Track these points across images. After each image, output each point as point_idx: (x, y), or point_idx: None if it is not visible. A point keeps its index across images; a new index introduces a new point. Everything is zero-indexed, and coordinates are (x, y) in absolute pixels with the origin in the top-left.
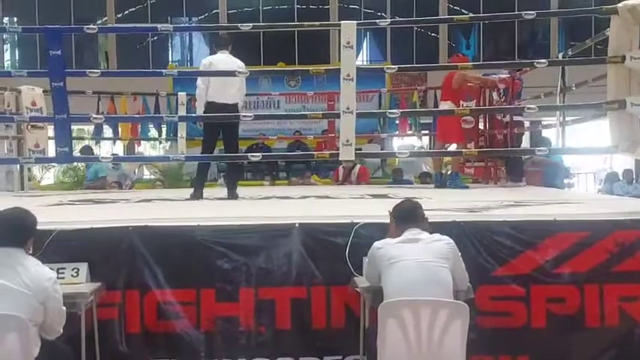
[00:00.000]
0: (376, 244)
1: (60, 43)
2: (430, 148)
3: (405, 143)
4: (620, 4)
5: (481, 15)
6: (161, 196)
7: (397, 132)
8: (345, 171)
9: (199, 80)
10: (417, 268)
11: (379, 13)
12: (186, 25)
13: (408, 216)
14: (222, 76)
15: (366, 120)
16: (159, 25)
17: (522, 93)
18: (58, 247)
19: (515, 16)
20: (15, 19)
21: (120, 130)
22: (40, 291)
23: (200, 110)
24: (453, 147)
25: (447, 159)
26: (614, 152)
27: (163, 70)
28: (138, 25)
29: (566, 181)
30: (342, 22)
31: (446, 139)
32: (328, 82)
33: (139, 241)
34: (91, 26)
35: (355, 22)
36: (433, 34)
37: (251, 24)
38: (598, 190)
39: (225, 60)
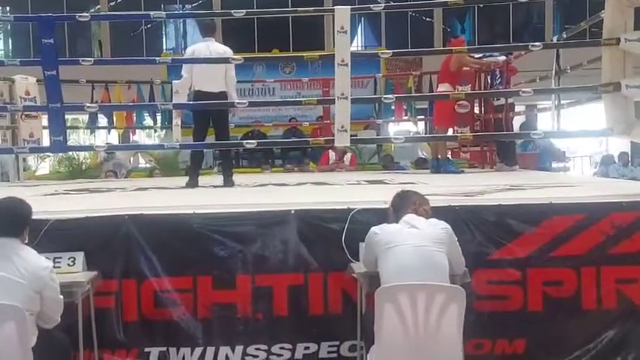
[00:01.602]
0: (373, 229)
1: (52, 32)
2: (426, 134)
3: (401, 129)
4: None
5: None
6: (157, 184)
7: (393, 117)
8: (337, 155)
9: (183, 70)
10: (413, 253)
11: None
12: (180, 12)
13: (405, 202)
14: (206, 64)
15: (362, 106)
16: (152, 13)
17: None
18: (54, 237)
19: (509, 0)
20: (7, 8)
21: (115, 118)
22: (37, 280)
23: (184, 99)
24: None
25: (449, 144)
26: (610, 135)
27: (157, 58)
28: (131, 12)
29: (561, 164)
30: (335, 7)
31: (438, 124)
32: (323, 68)
33: (135, 229)
34: (84, 14)
35: (349, 7)
36: (428, 19)
37: (244, 10)
38: (594, 173)
39: (208, 47)
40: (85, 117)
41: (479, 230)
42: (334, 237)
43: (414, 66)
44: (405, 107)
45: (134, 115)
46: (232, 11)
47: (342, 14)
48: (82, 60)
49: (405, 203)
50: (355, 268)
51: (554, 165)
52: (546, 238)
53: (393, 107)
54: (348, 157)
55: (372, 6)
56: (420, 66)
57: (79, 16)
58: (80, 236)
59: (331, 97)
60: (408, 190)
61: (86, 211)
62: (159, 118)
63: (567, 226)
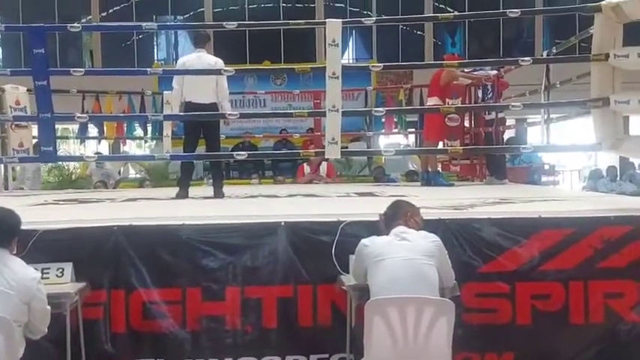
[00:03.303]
0: (363, 241)
1: (43, 42)
2: (416, 147)
3: (392, 142)
4: (603, 2)
5: (466, 13)
6: (147, 195)
7: (383, 130)
8: (312, 167)
9: (174, 81)
10: (403, 265)
11: (365, 12)
12: (171, 23)
13: (395, 214)
14: (196, 76)
15: (352, 118)
16: (143, 24)
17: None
18: (42, 247)
19: (499, 14)
20: None
21: (105, 129)
22: (25, 291)
23: (175, 110)
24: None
25: (439, 157)
26: (598, 150)
27: (148, 69)
28: (122, 23)
29: (551, 178)
30: (327, 20)
31: (427, 137)
32: (314, 80)
33: (124, 240)
34: (75, 24)
35: (340, 20)
36: (419, 32)
37: (236, 22)
38: (582, 188)
39: (198, 59)
40: (76, 127)
41: (468, 243)
42: (324, 249)
43: (405, 79)
44: (395, 120)
45: (125, 125)
46: (224, 23)
47: (334, 27)
48: (73, 70)
49: (397, 213)
50: (345, 281)
51: (544, 179)
52: (535, 252)
53: (383, 120)
54: (324, 167)
55: (363, 19)
56: (411, 79)
57: (71, 26)
58: (69, 247)
59: (322, 110)
60: (401, 201)
61: (75, 222)
62: (149, 128)
63: (556, 240)
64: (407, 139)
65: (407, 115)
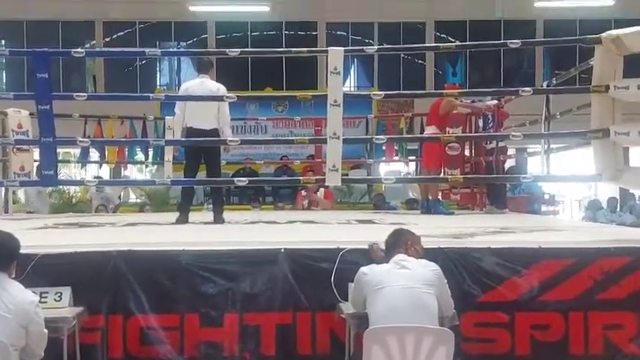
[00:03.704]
0: (362, 269)
1: (47, 67)
2: (417, 174)
3: (392, 169)
4: (603, 34)
5: (467, 43)
6: (147, 220)
7: (384, 158)
8: (309, 192)
9: (176, 107)
10: (402, 294)
11: (367, 40)
12: (174, 50)
13: (396, 242)
14: (198, 101)
15: (353, 146)
16: (147, 50)
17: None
18: (41, 271)
19: (500, 45)
20: (2, 42)
21: (106, 153)
22: (22, 315)
23: (177, 136)
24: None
25: (439, 185)
26: (599, 180)
27: (150, 95)
28: (126, 49)
29: (551, 208)
30: (329, 48)
31: (427, 165)
32: (315, 107)
33: (124, 265)
34: (79, 50)
35: (342, 48)
36: (420, 61)
37: (239, 49)
38: (582, 218)
39: (200, 85)
40: (77, 151)
41: (468, 272)
42: (323, 276)
43: (406, 107)
44: (396, 148)
45: (126, 150)
46: (227, 50)
47: (336, 55)
48: (76, 95)
49: (397, 242)
50: (344, 309)
51: (544, 209)
52: (535, 282)
53: (384, 148)
54: (321, 191)
55: (365, 48)
56: (412, 107)
57: (74, 51)
58: (68, 271)
59: (323, 137)
60: (401, 229)
61: (74, 246)
62: (151, 153)
63: (556, 270)
64: (407, 167)
65: (407, 143)
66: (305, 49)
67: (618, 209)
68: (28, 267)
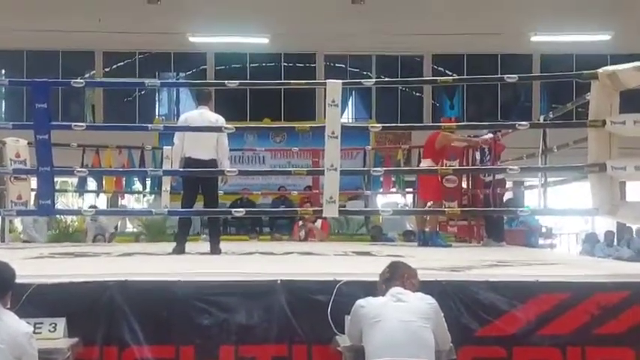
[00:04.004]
0: (359, 302)
1: (46, 97)
2: (414, 207)
3: (389, 201)
4: (600, 70)
5: (464, 77)
6: (143, 250)
7: (381, 189)
8: (306, 225)
9: (175, 137)
10: (399, 327)
11: (365, 72)
12: (173, 81)
13: (393, 275)
14: (196, 132)
15: (351, 177)
16: (146, 80)
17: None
18: (36, 302)
19: (497, 79)
20: (3, 71)
21: (104, 182)
22: (16, 346)
23: (176, 165)
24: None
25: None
26: (596, 214)
27: (149, 125)
28: (125, 80)
29: (548, 241)
30: (327, 80)
31: (423, 197)
32: (313, 138)
33: (119, 296)
34: (78, 80)
35: (340, 81)
36: (417, 94)
37: (237, 81)
38: (579, 252)
39: (200, 115)
40: (75, 180)
41: (465, 306)
42: (320, 309)
43: (404, 139)
44: (393, 179)
45: (124, 179)
46: (226, 82)
47: (334, 88)
48: (74, 125)
49: (394, 275)
50: (340, 342)
51: (541, 242)
52: (532, 316)
53: (381, 179)
54: (319, 222)
55: (363, 81)
56: (409, 139)
57: (74, 82)
58: (63, 302)
59: (321, 168)
60: (398, 262)
61: (70, 276)
62: (148, 183)
63: (553, 304)
64: (405, 199)
65: (405, 175)
66: (303, 81)
67: (615, 243)
68: (23, 297)
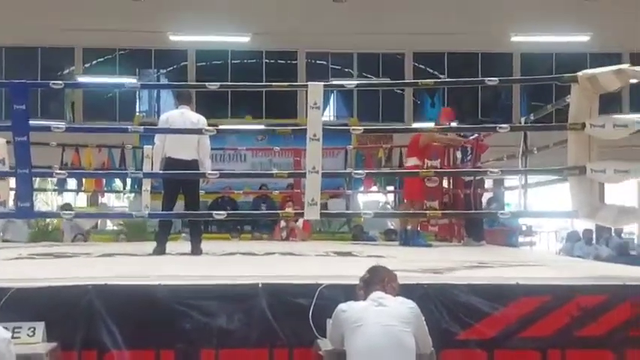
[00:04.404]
0: (341, 306)
1: (25, 98)
2: (395, 205)
3: (370, 199)
4: (580, 73)
5: (445, 80)
6: (123, 250)
7: (362, 188)
8: (288, 224)
9: (156, 137)
10: (380, 332)
11: (346, 69)
12: (153, 83)
13: (373, 279)
14: (177, 129)
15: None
16: (126, 82)
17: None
18: (15, 306)
19: (478, 82)
20: None
21: (84, 181)
22: None
23: (156, 166)
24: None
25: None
26: (575, 217)
27: (129, 127)
28: (105, 80)
29: (528, 239)
30: (309, 83)
31: (408, 197)
32: (295, 136)
33: (98, 300)
34: (58, 82)
35: (322, 83)
36: (399, 91)
37: (218, 83)
38: (559, 250)
39: (181, 115)
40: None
41: (446, 309)
42: (301, 312)
43: (385, 138)
44: (374, 178)
45: (103, 180)
46: (207, 84)
47: (315, 90)
48: (54, 127)
49: (374, 279)
50: (322, 345)
51: (521, 239)
52: (513, 319)
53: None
54: (300, 221)
55: (344, 83)
56: (391, 138)
57: (53, 83)
58: (42, 306)
59: (302, 171)
60: (379, 266)
61: (49, 280)
62: (128, 182)
63: (533, 307)
64: (386, 197)
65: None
66: (285, 83)
67: (594, 241)
68: (1, 301)
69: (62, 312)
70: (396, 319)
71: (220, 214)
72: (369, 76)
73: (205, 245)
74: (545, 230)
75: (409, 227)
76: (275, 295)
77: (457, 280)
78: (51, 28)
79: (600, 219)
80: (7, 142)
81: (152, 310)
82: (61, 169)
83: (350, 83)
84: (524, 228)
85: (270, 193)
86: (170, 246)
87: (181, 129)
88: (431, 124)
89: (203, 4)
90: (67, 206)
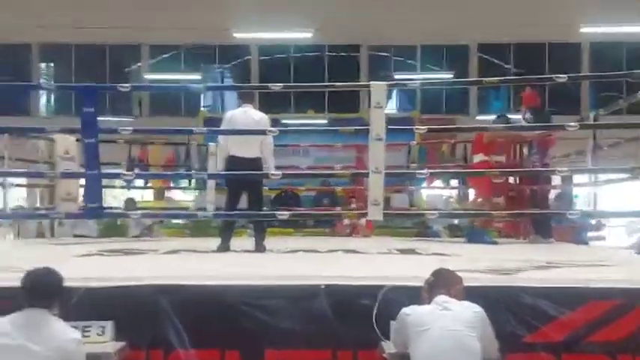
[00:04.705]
0: (405, 310)
1: (94, 101)
2: (459, 198)
3: (434, 193)
4: None
5: (510, 77)
6: (188, 246)
7: (424, 184)
8: (351, 221)
9: (219, 136)
10: (445, 336)
11: (410, 61)
12: (217, 84)
13: (438, 282)
14: (242, 130)
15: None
16: (190, 85)
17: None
18: (84, 305)
19: (546, 79)
20: (52, 64)
21: None
22: (64, 354)
23: (220, 163)
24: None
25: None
26: None
27: (194, 129)
28: (170, 84)
29: (597, 234)
30: (372, 83)
31: (481, 193)
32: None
33: (164, 299)
34: (124, 85)
35: (385, 83)
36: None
37: (281, 84)
38: (629, 245)
39: (244, 114)
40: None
41: (512, 313)
42: (365, 314)
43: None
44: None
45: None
46: (269, 84)
47: (378, 90)
48: (122, 129)
49: (438, 283)
50: (386, 348)
51: (590, 234)
52: (581, 323)
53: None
54: (363, 220)
55: (407, 82)
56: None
57: (120, 86)
58: (110, 305)
59: (365, 171)
60: (443, 269)
61: (117, 279)
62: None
63: (603, 311)
64: (450, 192)
65: (449, 167)
66: (348, 83)
67: None
68: (72, 301)
69: (130, 311)
70: (461, 324)
71: (283, 215)
72: (433, 67)
73: (269, 241)
74: (614, 225)
75: (475, 223)
76: (338, 297)
77: (524, 282)
78: (118, 26)
79: None
80: (77, 140)
81: (217, 310)
82: (128, 164)
83: (413, 82)
84: (593, 222)
85: (333, 189)
86: (234, 242)
87: (245, 129)
88: (493, 118)
89: (264, 1)
90: (130, 201)
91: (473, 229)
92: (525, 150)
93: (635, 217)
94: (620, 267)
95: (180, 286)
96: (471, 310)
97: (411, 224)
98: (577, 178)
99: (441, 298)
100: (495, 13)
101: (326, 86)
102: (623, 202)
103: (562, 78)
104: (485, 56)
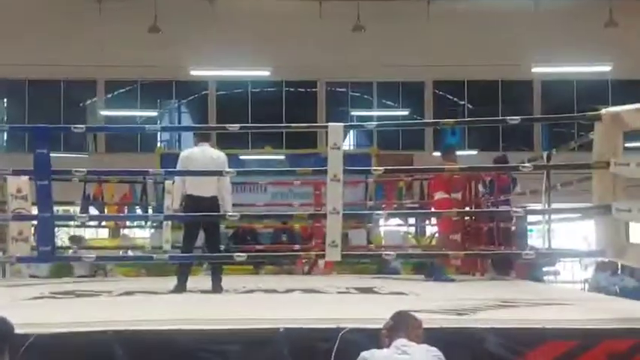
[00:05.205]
0: (363, 354)
1: (47, 143)
2: (416, 234)
3: (392, 229)
4: (603, 111)
5: (465, 120)
6: (143, 287)
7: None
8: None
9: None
10: None
11: (366, 97)
12: (174, 125)
13: (397, 326)
14: (199, 171)
15: (353, 207)
16: (147, 126)
17: (514, 185)
18: (35, 353)
19: (499, 121)
20: (5, 100)
21: (106, 212)
22: None
23: (176, 201)
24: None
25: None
26: (603, 256)
27: (150, 170)
28: (126, 125)
29: (552, 268)
30: (329, 124)
31: (444, 231)
32: (316, 164)
33: (118, 346)
34: (79, 126)
35: (342, 124)
36: (419, 118)
37: (239, 125)
38: (585, 280)
39: (201, 153)
40: (77, 208)
41: (471, 354)
42: (324, 357)
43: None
44: (395, 206)
45: (125, 211)
46: (227, 125)
47: (336, 131)
48: (75, 170)
49: (398, 327)
50: None
51: (545, 269)
52: None
53: (383, 206)
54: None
55: (365, 123)
56: (411, 164)
57: (74, 127)
58: (62, 352)
59: (323, 212)
60: (402, 313)
61: (70, 325)
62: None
63: (560, 352)
64: (407, 227)
65: (406, 204)
66: (304, 124)
67: (619, 271)
68: (22, 348)
69: (83, 358)
70: None
71: (241, 256)
72: (389, 103)
73: (226, 280)
74: (568, 260)
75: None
76: (296, 340)
77: (481, 324)
78: (74, 61)
79: (628, 259)
80: (30, 178)
81: (172, 356)
82: (83, 202)
83: (370, 124)
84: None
85: (291, 227)
86: (191, 281)
87: (202, 170)
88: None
89: (223, 39)
90: (75, 239)
91: (431, 265)
92: (480, 187)
93: (588, 257)
94: (577, 306)
95: (136, 331)
96: (431, 354)
97: (370, 261)
98: (531, 217)
99: (401, 342)
100: (450, 52)
101: (284, 127)
102: (577, 236)
103: (515, 119)
104: (441, 92)
